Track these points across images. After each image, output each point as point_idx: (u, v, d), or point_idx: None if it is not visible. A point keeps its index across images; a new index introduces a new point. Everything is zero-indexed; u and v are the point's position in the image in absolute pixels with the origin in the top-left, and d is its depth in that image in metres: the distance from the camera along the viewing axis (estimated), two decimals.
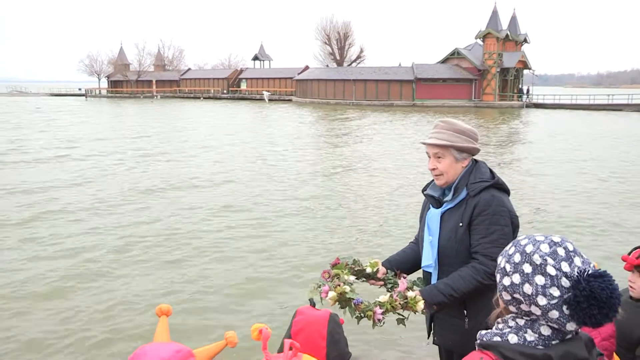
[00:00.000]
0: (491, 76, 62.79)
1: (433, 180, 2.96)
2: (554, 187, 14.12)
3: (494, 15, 63.24)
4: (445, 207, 2.85)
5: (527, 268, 1.45)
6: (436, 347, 3.08)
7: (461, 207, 2.78)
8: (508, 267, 1.50)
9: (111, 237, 9.39)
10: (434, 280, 2.90)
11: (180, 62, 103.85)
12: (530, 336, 1.47)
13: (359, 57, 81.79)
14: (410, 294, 2.58)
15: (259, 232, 9.76)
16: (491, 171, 2.86)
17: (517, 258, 1.49)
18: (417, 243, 3.16)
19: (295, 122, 39.56)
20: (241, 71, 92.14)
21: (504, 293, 1.52)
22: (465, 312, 2.79)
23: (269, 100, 76.55)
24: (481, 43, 64.64)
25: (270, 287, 7.16)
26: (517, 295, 1.47)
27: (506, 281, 1.50)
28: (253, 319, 5.90)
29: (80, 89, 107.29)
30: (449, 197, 2.83)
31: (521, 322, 1.51)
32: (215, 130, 31.32)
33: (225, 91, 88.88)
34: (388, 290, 2.81)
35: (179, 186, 14.09)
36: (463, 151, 2.79)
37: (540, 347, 1.44)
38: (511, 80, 63.80)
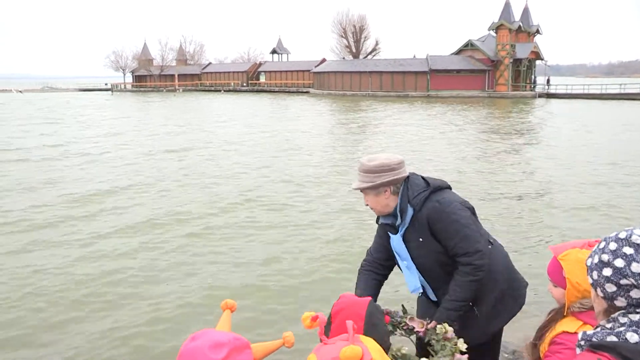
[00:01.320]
0: (504, 67, 63.98)
1: None
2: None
3: (507, 6, 64.37)
4: (401, 229, 2.94)
5: (629, 250, 1.40)
6: None
7: (415, 224, 2.88)
8: (606, 257, 1.44)
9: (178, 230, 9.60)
10: (430, 295, 3.04)
11: (201, 57, 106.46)
12: None
13: (374, 49, 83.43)
14: (449, 335, 2.56)
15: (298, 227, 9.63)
16: (424, 179, 2.96)
17: (612, 246, 1.44)
18: (372, 270, 3.16)
19: (318, 113, 41.17)
20: (260, 64, 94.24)
21: (607, 285, 1.43)
22: (469, 303, 2.85)
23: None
24: (494, 34, 65.72)
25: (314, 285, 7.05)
26: (625, 281, 1.38)
27: (607, 272, 1.43)
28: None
29: (106, 84, 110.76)
30: (399, 221, 2.93)
31: (635, 317, 1.39)
32: (254, 122, 32.78)
33: (244, 84, 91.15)
34: (403, 334, 2.78)
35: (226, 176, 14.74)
36: (380, 187, 2.89)
37: None
38: (524, 71, 65.00)
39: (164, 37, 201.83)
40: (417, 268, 2.96)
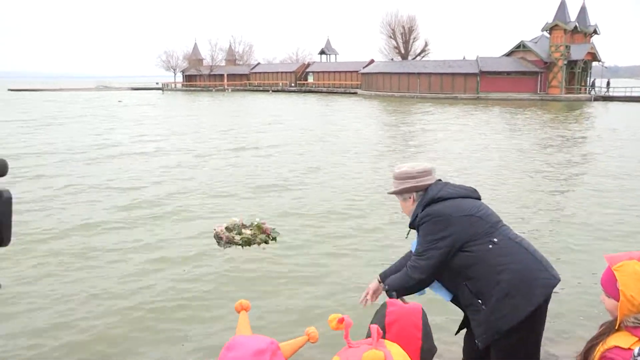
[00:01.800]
0: (557, 69, 62.33)
1: None
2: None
3: (562, 6, 62.57)
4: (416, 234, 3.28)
5: None
6: None
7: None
8: None
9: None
10: (446, 297, 3.23)
11: (250, 57, 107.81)
12: None
13: (423, 50, 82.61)
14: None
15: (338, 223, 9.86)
16: (445, 187, 3.20)
17: None
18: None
19: (367, 115, 41.20)
20: (308, 65, 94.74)
21: None
22: (479, 301, 2.95)
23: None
24: (548, 35, 64.01)
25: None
26: None
27: None
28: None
29: (157, 83, 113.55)
30: (412, 226, 3.28)
31: None
32: (307, 124, 32.92)
33: (292, 84, 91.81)
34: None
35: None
36: (403, 192, 3.26)
37: None
38: (578, 73, 63.07)
39: (213, 38, 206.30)
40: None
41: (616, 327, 2.00)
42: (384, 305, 2.17)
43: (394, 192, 3.30)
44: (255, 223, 4.93)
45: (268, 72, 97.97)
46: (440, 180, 3.30)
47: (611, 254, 2.11)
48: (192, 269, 7.51)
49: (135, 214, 10.70)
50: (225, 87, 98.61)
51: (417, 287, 3.10)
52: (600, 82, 64.62)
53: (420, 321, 2.04)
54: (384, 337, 1.97)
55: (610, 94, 61.97)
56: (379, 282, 3.33)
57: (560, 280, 3.04)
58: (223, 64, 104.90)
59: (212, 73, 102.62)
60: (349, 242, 8.74)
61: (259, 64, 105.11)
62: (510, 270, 2.89)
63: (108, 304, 6.37)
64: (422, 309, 2.10)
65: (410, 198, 3.25)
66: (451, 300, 3.23)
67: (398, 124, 32.57)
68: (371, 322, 2.02)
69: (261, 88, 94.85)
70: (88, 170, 15.72)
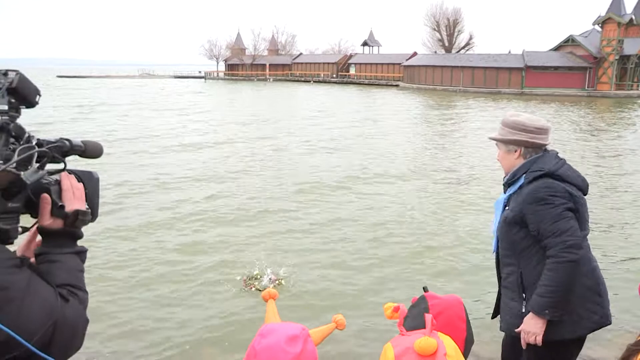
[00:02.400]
0: (608, 64, 60.13)
1: None
2: None
3: None
4: (509, 192, 2.98)
5: None
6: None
7: (519, 194, 2.89)
8: None
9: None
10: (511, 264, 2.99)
11: (293, 47, 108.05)
12: None
13: (468, 44, 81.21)
14: None
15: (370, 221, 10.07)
16: (559, 161, 2.91)
17: None
18: None
19: (408, 108, 40.85)
20: (350, 56, 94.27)
21: None
22: (524, 295, 2.84)
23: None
24: (599, 29, 61.76)
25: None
26: None
27: None
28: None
29: (200, 72, 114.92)
30: (513, 184, 2.97)
31: None
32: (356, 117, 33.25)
33: (334, 75, 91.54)
34: None
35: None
36: (510, 143, 2.95)
37: None
38: (631, 69, 60.72)
39: (256, 27, 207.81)
40: (497, 234, 3.05)
41: None
42: (422, 299, 2.10)
43: (500, 140, 3.00)
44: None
45: (310, 63, 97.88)
46: (553, 150, 3.00)
47: None
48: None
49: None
50: (267, 76, 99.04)
51: (572, 278, 2.68)
52: None
53: (463, 312, 2.04)
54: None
55: None
56: (536, 314, 2.74)
57: (610, 322, 2.92)
58: (265, 53, 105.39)
59: (254, 62, 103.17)
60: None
61: (301, 54, 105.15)
62: (576, 284, 2.76)
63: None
64: (462, 301, 2.11)
65: (516, 152, 2.95)
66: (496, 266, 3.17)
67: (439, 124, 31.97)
68: (411, 317, 2.04)
69: (302, 78, 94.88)
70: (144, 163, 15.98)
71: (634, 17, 59.65)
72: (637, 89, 60.36)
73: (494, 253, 3.14)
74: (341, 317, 1.95)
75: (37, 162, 1.34)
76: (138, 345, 5.59)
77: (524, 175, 2.87)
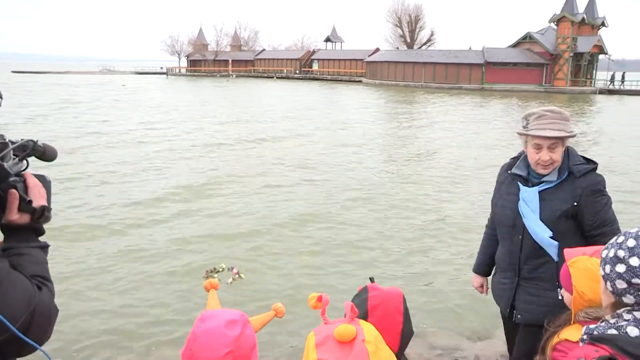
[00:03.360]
0: (563, 61, 61.92)
1: (514, 160, 3.15)
2: None
3: None
4: (543, 186, 2.92)
5: None
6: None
7: (564, 187, 2.87)
8: (622, 254, 1.45)
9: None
10: (553, 254, 2.92)
11: (255, 43, 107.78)
12: None
13: (429, 40, 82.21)
14: None
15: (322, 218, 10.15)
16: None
17: (630, 243, 1.45)
18: (492, 229, 3.34)
19: (372, 105, 41.24)
20: (313, 52, 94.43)
21: (618, 282, 1.45)
22: (557, 283, 2.71)
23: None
24: (555, 27, 63.55)
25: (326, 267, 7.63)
26: (636, 280, 1.40)
27: (620, 268, 1.44)
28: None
29: (161, 68, 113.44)
30: (552, 177, 2.90)
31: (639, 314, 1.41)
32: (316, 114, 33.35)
33: (297, 71, 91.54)
34: None
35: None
36: (568, 138, 2.89)
37: None
38: (584, 66, 62.70)
39: (219, 23, 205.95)
40: (547, 226, 2.92)
41: (572, 321, 2.02)
42: (365, 290, 2.18)
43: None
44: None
45: (273, 59, 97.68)
46: None
47: (570, 248, 2.13)
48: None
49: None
50: (230, 72, 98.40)
51: None
52: (607, 75, 64.24)
53: (401, 305, 2.08)
54: (366, 319, 2.00)
55: (616, 87, 61.50)
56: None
57: None
58: (228, 49, 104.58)
59: (216, 58, 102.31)
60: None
61: (264, 50, 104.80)
62: None
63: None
64: (402, 294, 2.13)
65: (563, 147, 2.89)
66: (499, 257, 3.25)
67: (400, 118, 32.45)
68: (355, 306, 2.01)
69: (265, 74, 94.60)
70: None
71: (585, 16, 61.60)
72: (591, 85, 62.39)
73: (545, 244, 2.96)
74: (280, 306, 1.97)
75: (14, 156, 1.44)
76: (92, 340, 5.64)
77: (567, 168, 2.88)
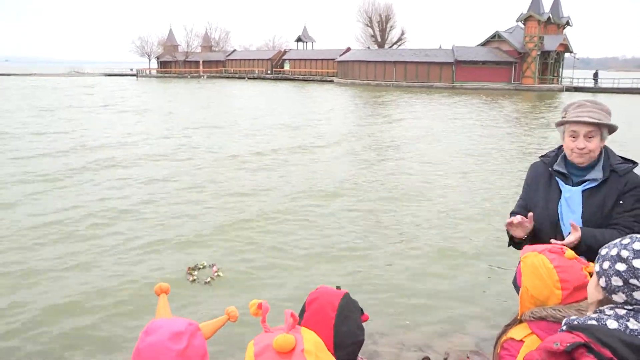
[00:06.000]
0: (531, 59, 63.04)
1: (554, 155, 3.05)
2: None
3: None
4: (587, 185, 2.86)
5: None
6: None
7: (606, 185, 2.82)
8: (625, 254, 1.50)
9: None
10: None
11: (226, 44, 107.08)
12: (632, 324, 1.43)
13: (400, 39, 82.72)
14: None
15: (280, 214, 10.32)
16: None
17: (637, 246, 1.49)
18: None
19: (350, 102, 41.45)
20: (284, 52, 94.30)
21: (614, 279, 1.50)
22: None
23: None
24: (522, 26, 64.66)
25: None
26: (634, 281, 1.46)
27: (621, 267, 1.49)
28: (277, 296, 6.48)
29: (131, 69, 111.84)
30: (593, 176, 2.85)
31: (622, 312, 1.47)
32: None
33: (269, 72, 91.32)
34: None
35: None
36: (610, 131, 2.83)
37: None
38: (551, 64, 63.93)
39: (189, 24, 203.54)
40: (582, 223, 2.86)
41: (518, 319, 2.03)
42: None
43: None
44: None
45: (244, 59, 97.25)
46: None
47: (530, 245, 2.14)
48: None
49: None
50: (201, 73, 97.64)
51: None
52: (572, 73, 65.64)
53: (337, 301, 1.99)
54: (302, 314, 2.02)
55: (581, 85, 62.80)
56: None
57: None
58: (199, 50, 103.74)
59: (187, 59, 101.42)
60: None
61: (235, 50, 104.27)
62: None
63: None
64: (348, 295, 2.07)
65: (603, 139, 2.82)
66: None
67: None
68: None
69: (237, 75, 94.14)
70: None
71: (550, 16, 62.88)
72: (557, 83, 63.63)
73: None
74: (233, 309, 1.91)
75: None
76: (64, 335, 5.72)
77: (610, 166, 2.83)
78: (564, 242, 2.60)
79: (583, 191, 2.85)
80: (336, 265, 7.81)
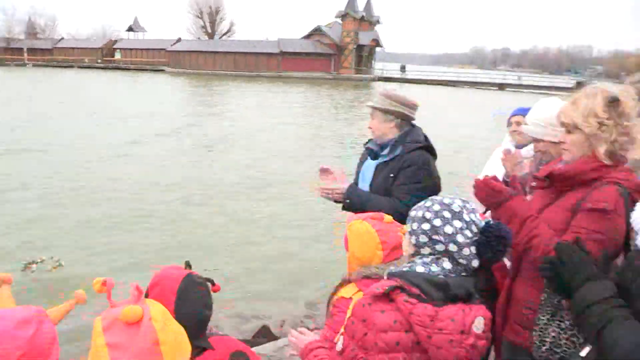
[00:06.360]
0: (348, 52, 69.83)
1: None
2: None
3: None
4: (380, 160, 3.25)
5: (447, 214, 1.75)
6: None
7: (393, 162, 3.17)
8: (428, 215, 1.77)
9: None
10: None
11: (54, 31, 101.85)
12: (434, 268, 1.73)
13: (229, 30, 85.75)
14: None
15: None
16: (425, 136, 3.28)
17: (436, 207, 1.78)
18: None
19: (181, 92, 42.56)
20: (115, 41, 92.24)
21: (421, 236, 1.77)
22: None
23: None
24: (340, 22, 71.14)
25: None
26: (436, 237, 1.74)
27: (426, 226, 1.76)
28: None
29: None
30: (385, 152, 3.22)
31: (427, 259, 1.76)
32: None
33: (99, 61, 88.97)
34: None
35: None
36: (387, 113, 3.20)
37: (442, 276, 1.71)
38: (365, 56, 71.30)
39: (10, 7, 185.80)
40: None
41: (349, 280, 2.20)
42: None
43: (381, 110, 3.22)
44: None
45: (73, 48, 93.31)
46: (418, 126, 3.35)
47: (361, 214, 2.35)
48: None
49: None
50: (26, 62, 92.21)
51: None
52: (383, 65, 73.57)
53: (177, 286, 1.95)
54: (147, 297, 1.95)
55: (389, 75, 71.10)
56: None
57: None
58: (22, 37, 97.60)
59: (9, 46, 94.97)
60: None
61: (62, 38, 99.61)
62: None
63: None
64: (189, 276, 2.01)
65: (392, 122, 3.22)
66: None
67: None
68: None
69: (66, 64, 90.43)
70: None
71: (364, 14, 70.01)
72: (371, 74, 71.09)
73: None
74: (81, 292, 1.81)
75: None
76: None
77: (400, 146, 3.17)
78: (332, 187, 3.30)
79: (377, 165, 3.27)
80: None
